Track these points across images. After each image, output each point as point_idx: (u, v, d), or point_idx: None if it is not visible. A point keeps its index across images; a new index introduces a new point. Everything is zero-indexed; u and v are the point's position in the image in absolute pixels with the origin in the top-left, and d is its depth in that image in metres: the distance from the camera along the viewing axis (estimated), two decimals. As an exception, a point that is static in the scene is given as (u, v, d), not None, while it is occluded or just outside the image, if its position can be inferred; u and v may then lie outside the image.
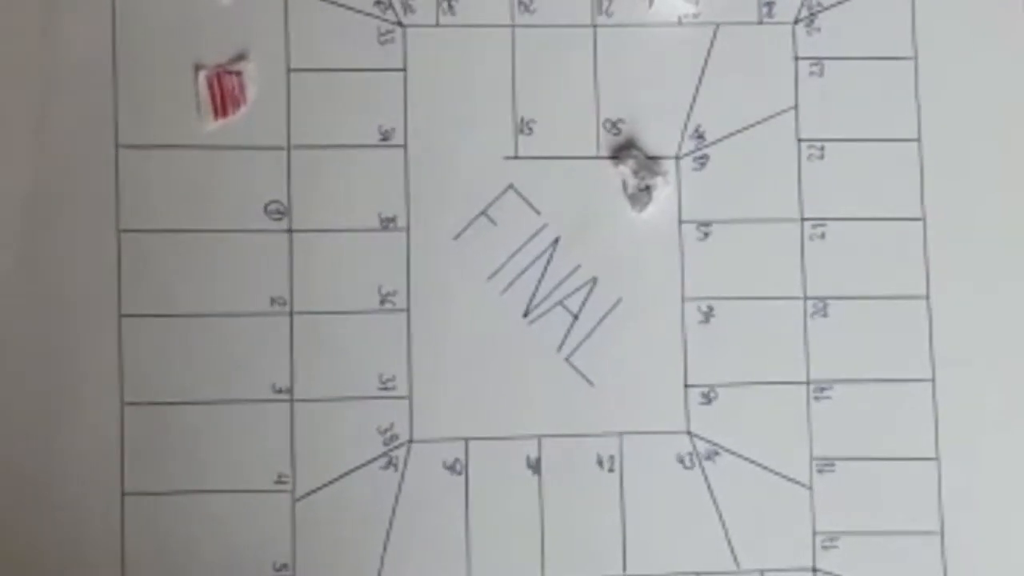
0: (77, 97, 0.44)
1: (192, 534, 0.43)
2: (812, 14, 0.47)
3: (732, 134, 0.46)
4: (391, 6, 0.46)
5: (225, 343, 0.44)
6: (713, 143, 0.46)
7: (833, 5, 0.47)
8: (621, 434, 0.45)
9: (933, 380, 0.46)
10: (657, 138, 0.46)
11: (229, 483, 0.44)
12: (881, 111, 0.47)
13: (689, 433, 0.45)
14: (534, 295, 0.45)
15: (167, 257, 0.44)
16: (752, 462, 0.45)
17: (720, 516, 0.45)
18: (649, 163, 0.46)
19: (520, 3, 0.46)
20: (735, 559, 0.45)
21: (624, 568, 0.45)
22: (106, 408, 0.44)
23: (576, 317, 0.45)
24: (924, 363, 0.46)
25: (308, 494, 0.44)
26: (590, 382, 0.45)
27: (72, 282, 0.44)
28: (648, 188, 0.45)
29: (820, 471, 0.45)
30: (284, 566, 0.44)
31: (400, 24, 0.46)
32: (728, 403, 0.45)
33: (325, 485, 0.44)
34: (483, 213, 0.45)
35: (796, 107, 0.46)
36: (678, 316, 0.46)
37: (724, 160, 0.46)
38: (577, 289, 0.45)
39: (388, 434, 0.44)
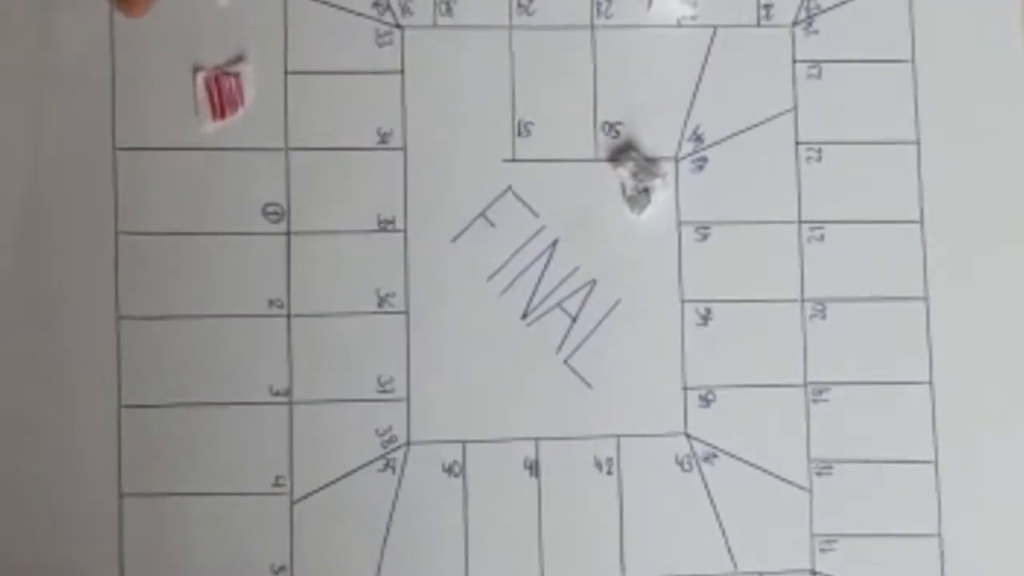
0: (75, 99, 0.44)
1: (190, 536, 0.43)
2: (810, 16, 0.47)
3: (731, 136, 0.46)
4: (389, 8, 0.46)
5: (223, 345, 0.44)
6: (712, 145, 0.46)
7: (831, 8, 0.47)
8: (619, 436, 0.45)
9: (931, 382, 0.46)
10: (656, 140, 0.46)
11: (227, 485, 0.44)
12: (879, 114, 0.47)
13: (687, 435, 0.45)
14: (532, 297, 0.45)
15: (165, 259, 0.44)
16: (750, 464, 0.45)
17: (718, 518, 0.45)
18: (648, 165, 0.46)
19: (518, 5, 0.46)
20: (733, 561, 0.45)
21: (622, 570, 0.45)
22: (104, 410, 0.44)
23: (574, 319, 0.45)
24: (922, 365, 0.46)
25: (306, 496, 0.44)
26: (588, 384, 0.45)
27: (70, 284, 0.44)
28: (647, 190, 0.45)
29: (818, 473, 0.45)
30: (282, 568, 0.43)
31: (398, 26, 0.46)
32: (726, 405, 0.45)
33: (323, 487, 0.44)
34: (482, 215, 0.45)
35: (795, 109, 0.46)
36: (676, 318, 0.46)
37: (723, 162, 0.46)
38: (576, 291, 0.45)
39: (386, 436, 0.44)
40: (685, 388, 0.45)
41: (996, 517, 0.45)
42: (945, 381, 0.46)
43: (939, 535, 0.45)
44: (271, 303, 0.44)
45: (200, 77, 0.45)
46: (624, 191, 0.46)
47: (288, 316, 0.44)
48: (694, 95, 0.46)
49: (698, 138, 0.46)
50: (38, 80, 0.44)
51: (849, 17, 0.47)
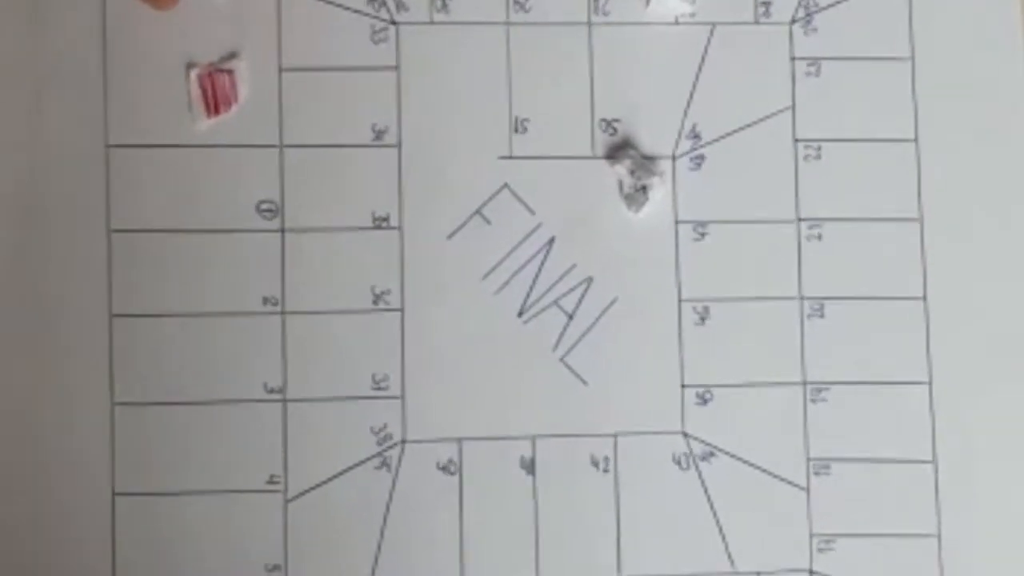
0: (68, 96, 0.44)
1: (183, 535, 0.43)
2: (809, 14, 0.47)
3: (728, 134, 0.46)
4: (384, 4, 0.45)
5: (217, 343, 0.44)
6: (709, 143, 0.46)
7: (830, 5, 0.47)
8: (616, 434, 0.45)
9: (930, 382, 0.46)
10: (653, 138, 0.46)
11: (221, 484, 0.43)
12: (878, 111, 0.46)
13: (684, 434, 0.45)
14: (529, 295, 0.45)
15: (158, 257, 0.44)
16: (748, 463, 0.45)
17: (716, 517, 0.45)
18: (645, 163, 0.45)
19: (515, 1, 0.46)
20: (731, 561, 0.45)
21: (619, 570, 0.44)
22: (97, 408, 0.43)
23: (571, 317, 0.45)
24: (921, 365, 0.46)
25: (300, 495, 0.44)
26: (585, 382, 0.45)
27: (63, 282, 0.44)
28: (644, 188, 0.45)
29: (816, 473, 0.45)
30: (276, 567, 0.43)
31: (393, 22, 0.45)
32: (724, 404, 0.45)
33: (318, 485, 0.44)
34: (477, 212, 0.45)
35: (793, 107, 0.46)
36: (674, 316, 0.45)
37: (720, 160, 0.46)
38: (572, 289, 0.45)
39: (381, 434, 0.44)
40: (682, 386, 0.45)
41: (995, 517, 0.45)
42: (944, 380, 0.46)
43: (938, 535, 0.45)
44: (265, 301, 0.44)
45: (194, 74, 0.44)
46: (621, 189, 0.46)
47: (282, 314, 0.44)
48: (692, 93, 0.46)
49: (696, 136, 0.46)
50: (31, 77, 0.44)
51: (847, 14, 0.47)
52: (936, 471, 0.45)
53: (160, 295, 0.44)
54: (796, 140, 0.46)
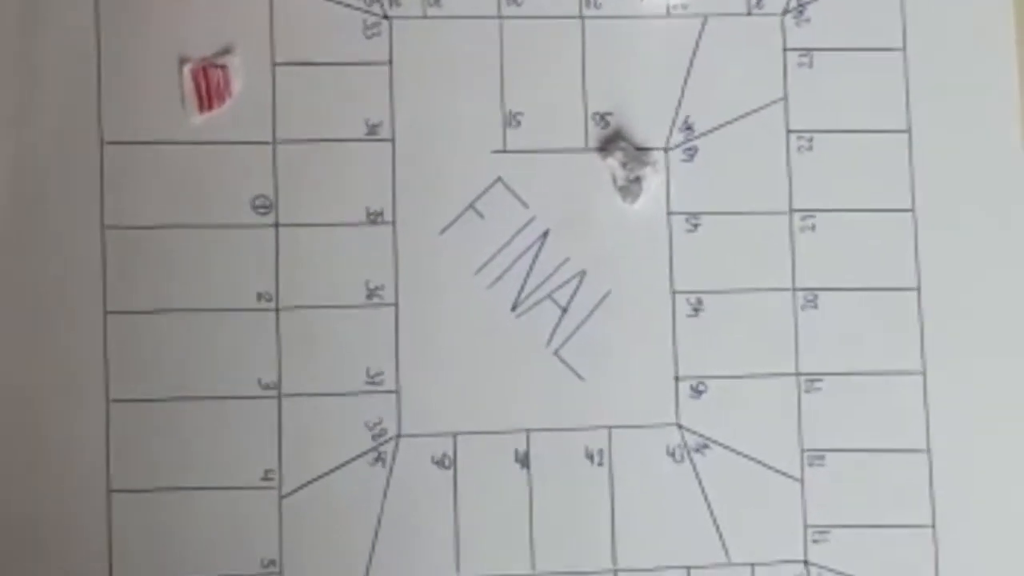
0: (61, 93, 0.44)
1: (179, 531, 0.43)
2: (801, 5, 0.47)
3: (721, 126, 0.46)
4: (377, -1, 0.46)
5: (211, 339, 0.44)
6: (702, 135, 0.46)
7: (822, -4, 0.47)
8: (610, 427, 0.45)
9: (924, 372, 0.46)
10: (646, 130, 0.46)
11: (216, 480, 0.43)
12: (871, 102, 0.46)
13: (679, 426, 0.45)
14: (522, 289, 0.45)
15: (153, 253, 0.44)
16: (742, 455, 0.45)
17: (710, 509, 0.45)
18: (637, 154, 0.45)
19: (507, -5, 0.46)
20: (726, 552, 0.45)
21: (614, 562, 0.44)
22: (92, 405, 0.43)
23: (565, 310, 0.45)
24: (915, 355, 0.46)
25: (296, 490, 0.44)
26: (579, 376, 0.45)
27: (57, 279, 0.44)
28: (639, 179, 0.45)
29: (811, 464, 0.45)
30: (272, 562, 0.43)
31: (386, 17, 0.45)
32: (718, 396, 0.45)
33: (313, 481, 0.44)
34: (471, 206, 0.45)
35: (785, 98, 0.46)
36: (667, 309, 0.45)
37: (713, 152, 0.46)
38: (566, 282, 0.45)
39: (376, 429, 0.44)
40: (676, 379, 0.45)
41: (990, 507, 0.45)
42: (937, 370, 0.46)
43: (933, 525, 0.45)
44: (260, 296, 0.44)
45: (187, 69, 0.44)
46: (615, 181, 0.45)
47: (277, 309, 0.44)
48: (684, 84, 0.46)
49: (688, 128, 0.46)
50: (23, 74, 0.44)
51: (840, 6, 0.47)
52: (930, 461, 0.45)
53: (155, 291, 0.44)
54: (789, 131, 0.46)
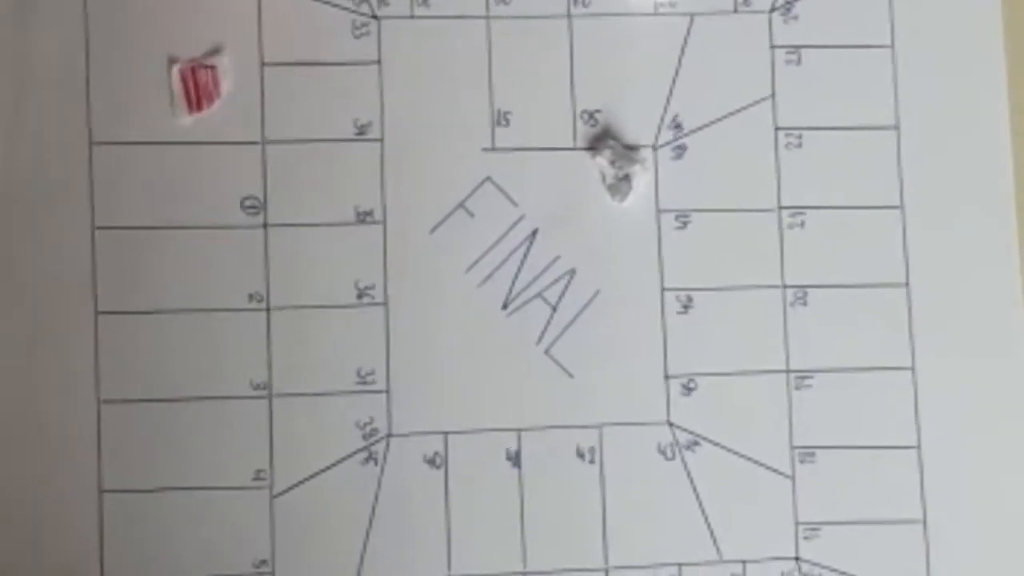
0: (50, 94, 0.44)
1: (170, 531, 0.43)
2: (788, 2, 0.47)
3: (709, 123, 0.46)
4: (366, -1, 0.46)
5: (202, 339, 0.44)
6: (690, 133, 0.46)
7: (810, -7, 0.47)
8: (601, 426, 0.45)
9: (913, 368, 0.46)
10: (634, 128, 0.46)
11: (207, 480, 0.43)
12: (859, 99, 0.47)
13: (669, 424, 0.45)
14: (512, 287, 0.45)
15: (143, 254, 0.44)
16: (733, 452, 0.45)
17: (701, 507, 0.45)
18: (626, 152, 0.45)
19: (495, -6, 0.46)
20: (717, 549, 0.45)
21: (606, 560, 0.44)
22: (83, 406, 0.43)
23: (555, 309, 0.45)
24: (904, 351, 0.46)
25: (287, 490, 0.44)
26: (570, 374, 0.45)
27: (48, 280, 0.44)
28: (627, 177, 0.45)
29: (801, 461, 0.45)
30: (263, 562, 0.43)
31: (375, 17, 0.46)
32: (708, 393, 0.45)
33: (304, 480, 0.44)
34: (460, 205, 0.45)
35: (773, 96, 0.46)
36: (657, 306, 0.45)
37: (702, 150, 0.46)
38: (555, 281, 0.45)
39: (367, 428, 0.44)
40: (667, 376, 0.45)
41: (980, 501, 0.45)
42: (927, 366, 0.46)
43: (923, 521, 0.45)
44: (250, 297, 0.44)
45: (176, 69, 0.45)
46: (604, 180, 0.46)
47: (267, 309, 0.44)
48: (673, 83, 0.46)
49: (677, 126, 0.46)
50: (12, 75, 0.44)
51: (827, 3, 0.47)
52: (920, 457, 0.45)
53: (145, 292, 0.44)
54: (777, 129, 0.46)
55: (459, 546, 0.44)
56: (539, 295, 0.45)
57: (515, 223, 0.45)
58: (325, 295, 0.44)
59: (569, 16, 0.46)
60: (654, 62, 0.46)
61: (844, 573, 0.45)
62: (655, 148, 0.46)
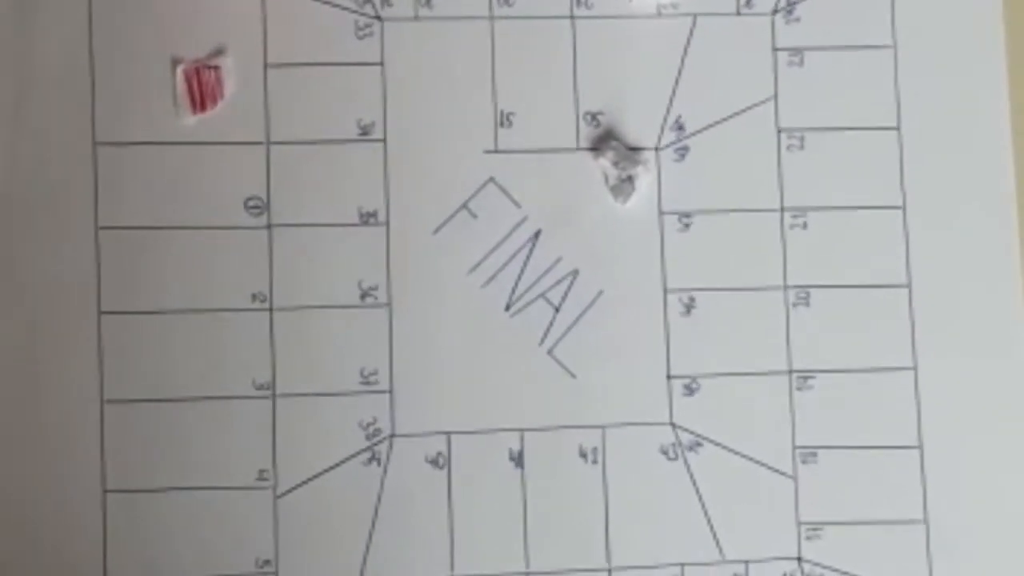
0: (54, 94, 0.44)
1: (174, 531, 0.43)
2: (790, 4, 0.47)
3: (712, 125, 0.46)
4: (369, 0, 0.46)
5: (206, 339, 0.44)
6: (693, 134, 0.46)
7: (811, -5, 0.47)
8: (604, 426, 0.45)
9: (915, 368, 0.46)
10: (637, 130, 0.46)
11: (210, 480, 0.43)
12: (861, 100, 0.47)
13: (672, 424, 0.45)
14: (515, 288, 0.45)
15: (146, 254, 0.44)
16: (735, 452, 0.45)
17: (704, 507, 0.45)
18: (629, 154, 0.46)
19: (498, -4, 0.46)
20: (720, 550, 0.45)
21: (608, 560, 0.44)
22: (87, 406, 0.43)
23: (558, 310, 0.45)
24: (906, 351, 0.46)
25: (290, 490, 0.44)
26: (572, 375, 0.45)
27: (51, 280, 0.44)
28: (630, 178, 0.45)
29: (804, 461, 0.45)
30: (267, 562, 0.43)
31: (378, 18, 0.46)
32: (711, 394, 0.45)
33: (307, 481, 0.44)
34: (463, 207, 0.45)
35: (776, 97, 0.46)
36: (660, 307, 0.45)
37: (704, 151, 0.46)
38: (558, 282, 0.45)
39: (370, 429, 0.44)
40: (669, 377, 0.45)
41: (981, 501, 0.45)
42: (929, 366, 0.46)
43: (925, 521, 0.45)
44: (254, 297, 0.44)
45: (180, 70, 0.45)
46: (607, 181, 0.46)
47: (271, 310, 0.44)
48: (675, 84, 0.46)
49: (680, 127, 0.46)
50: (16, 76, 0.44)
51: (829, 4, 0.47)
52: (922, 457, 0.45)
53: (149, 292, 0.44)
54: (779, 130, 0.46)
55: (462, 546, 0.44)
56: (542, 296, 0.45)
57: (518, 224, 0.45)
58: (328, 295, 0.44)
59: (572, 17, 0.46)
60: (657, 64, 0.46)
61: (846, 573, 0.45)
62: (658, 149, 0.46)
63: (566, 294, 0.45)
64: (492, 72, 0.46)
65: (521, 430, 0.45)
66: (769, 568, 0.45)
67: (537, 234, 0.45)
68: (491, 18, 0.46)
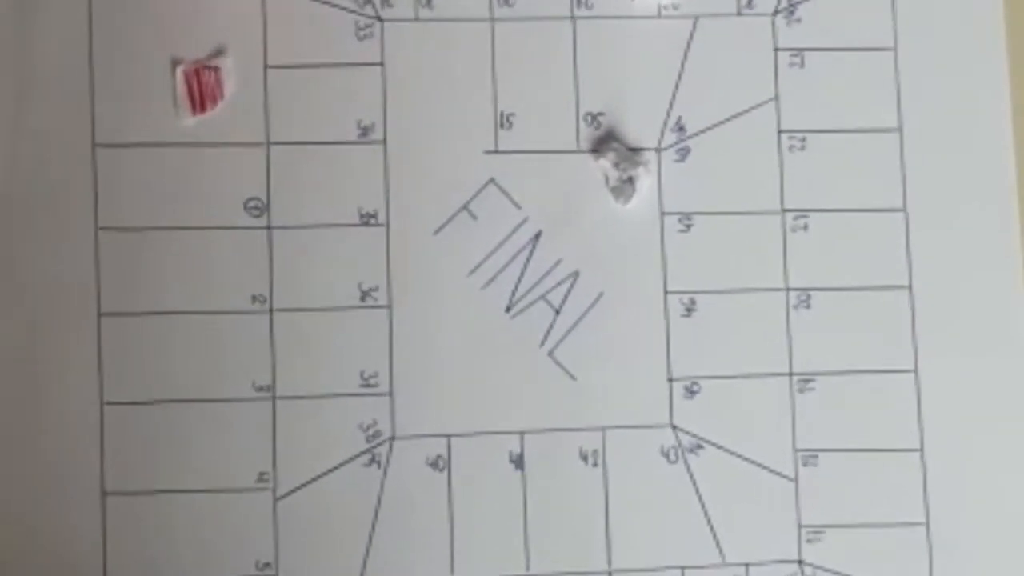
0: (54, 95, 0.44)
1: (173, 533, 0.43)
2: (792, 5, 0.47)
3: (713, 126, 0.46)
4: (369, 1, 0.45)
5: (205, 341, 0.44)
6: (694, 135, 0.46)
7: (813, -4, 0.47)
8: (604, 428, 0.45)
9: (916, 371, 0.46)
10: (638, 131, 0.46)
11: (210, 482, 0.43)
12: (862, 102, 0.47)
13: (673, 427, 0.45)
14: (516, 290, 0.45)
15: (146, 255, 0.44)
16: (736, 455, 0.45)
17: (705, 510, 0.45)
18: (629, 155, 0.45)
19: (499, -4, 0.46)
20: (720, 552, 0.45)
21: (609, 563, 0.44)
22: (86, 407, 0.43)
23: (558, 311, 0.45)
24: (907, 353, 0.46)
25: (290, 492, 0.44)
26: (573, 376, 0.45)
27: (51, 281, 0.44)
28: (631, 179, 0.45)
29: (804, 463, 0.45)
30: (267, 565, 0.43)
31: (378, 19, 0.45)
32: (711, 396, 0.45)
33: (307, 483, 0.44)
34: (464, 208, 0.45)
35: (777, 98, 0.46)
36: (660, 309, 0.45)
37: (705, 152, 0.46)
38: (559, 283, 0.45)
39: (370, 431, 0.44)
40: (670, 379, 0.45)
41: (983, 504, 0.45)
42: (930, 369, 0.46)
43: (926, 523, 0.45)
44: (253, 298, 0.44)
45: (180, 71, 0.44)
46: (607, 182, 0.46)
47: (271, 311, 0.44)
48: (676, 85, 0.46)
49: (681, 128, 0.46)
50: (15, 77, 0.44)
51: (831, 5, 0.47)
52: (923, 459, 0.45)
53: (148, 293, 0.44)
54: (781, 131, 0.46)
55: (462, 549, 0.44)
56: (542, 297, 0.45)
57: (518, 225, 0.45)
58: (328, 297, 0.44)
59: (573, 18, 0.46)
60: (658, 64, 0.46)
61: (847, 576, 0.45)
62: (658, 150, 0.46)
63: (567, 296, 0.45)
64: (492, 73, 0.46)
65: (521, 432, 0.45)
66: (770, 571, 0.45)
67: (538, 235, 0.45)
68: (492, 19, 0.46)
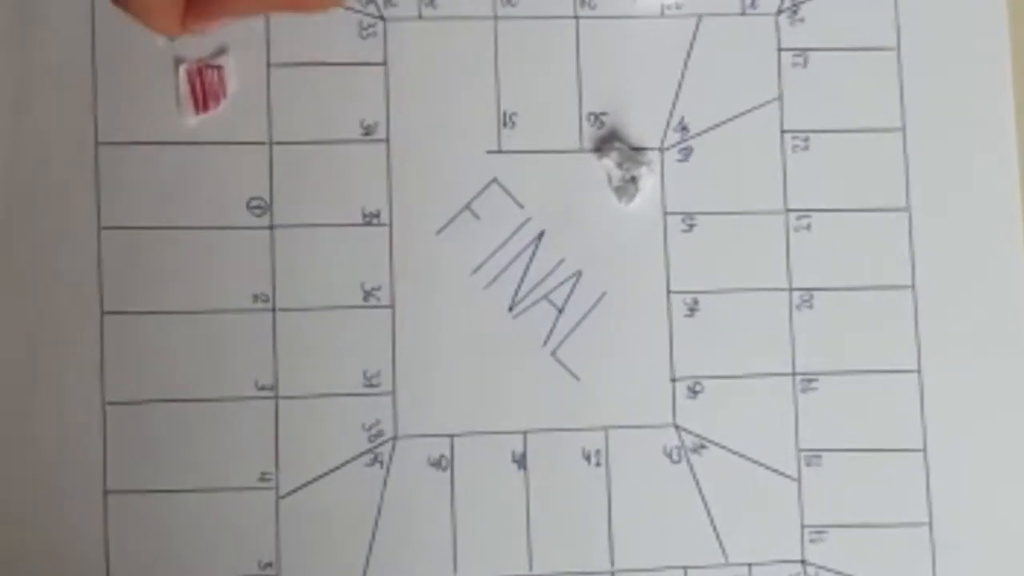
0: (56, 94, 0.44)
1: (175, 533, 0.43)
2: (795, 5, 0.47)
3: (716, 126, 0.46)
4: (372, 0, 0.45)
5: (208, 340, 0.44)
6: (697, 135, 0.46)
7: (816, -4, 0.47)
8: (607, 428, 0.45)
9: (919, 370, 0.46)
10: (641, 130, 0.46)
11: (212, 481, 0.43)
12: (865, 101, 0.47)
13: (675, 426, 0.45)
14: (518, 289, 0.45)
15: (149, 254, 0.44)
16: (739, 455, 0.45)
17: (707, 509, 0.45)
18: (632, 155, 0.45)
19: (502, -4, 0.46)
20: (723, 552, 0.45)
21: (612, 563, 0.44)
22: (88, 407, 0.43)
23: (561, 311, 0.45)
24: (910, 353, 0.46)
25: (292, 492, 0.44)
26: (575, 376, 0.45)
27: (53, 280, 0.43)
28: (634, 179, 0.45)
29: (807, 463, 0.45)
30: (269, 564, 0.43)
31: (381, 18, 0.45)
32: (714, 396, 0.45)
33: (309, 482, 0.44)
34: (467, 207, 0.45)
35: (780, 98, 0.46)
36: (663, 309, 0.45)
37: (708, 152, 0.46)
38: (562, 283, 0.45)
39: (373, 431, 0.44)
40: (673, 379, 0.45)
41: (986, 504, 0.45)
42: (933, 368, 0.46)
43: (929, 524, 0.45)
44: (256, 298, 0.44)
45: (182, 69, 0.44)
46: (611, 181, 0.46)
47: (273, 311, 0.44)
48: (679, 85, 0.46)
49: (684, 128, 0.46)
50: (18, 75, 0.44)
51: (834, 5, 0.47)
52: (927, 460, 0.45)
53: (151, 292, 0.44)
54: (784, 131, 0.46)
55: (464, 549, 0.44)
56: (545, 297, 0.45)
57: (521, 225, 0.45)
58: (331, 296, 0.44)
59: (576, 18, 0.46)
60: (661, 64, 0.46)
61: (850, 576, 0.45)
62: (662, 150, 0.46)
63: (569, 295, 0.45)
64: (495, 72, 0.46)
65: (524, 432, 0.45)
66: (773, 571, 0.45)
67: (540, 235, 0.45)
68: (495, 18, 0.46)
